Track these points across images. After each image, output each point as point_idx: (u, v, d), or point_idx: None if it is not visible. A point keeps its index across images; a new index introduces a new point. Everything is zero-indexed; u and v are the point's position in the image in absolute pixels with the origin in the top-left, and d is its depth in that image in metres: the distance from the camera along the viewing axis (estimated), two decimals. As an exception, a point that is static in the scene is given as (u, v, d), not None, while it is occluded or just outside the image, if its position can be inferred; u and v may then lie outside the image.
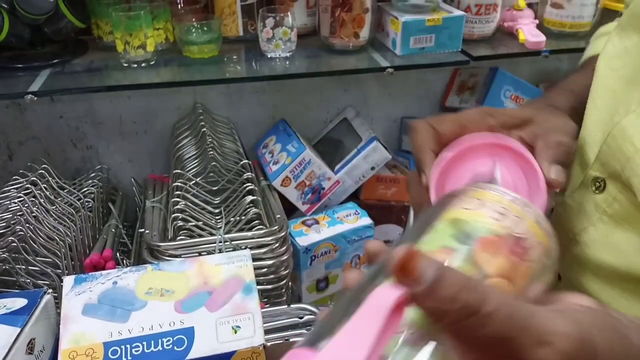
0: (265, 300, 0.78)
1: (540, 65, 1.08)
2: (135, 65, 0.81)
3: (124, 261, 0.77)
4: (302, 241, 0.90)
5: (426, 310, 0.20)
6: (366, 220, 0.94)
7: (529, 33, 0.88)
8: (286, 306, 0.73)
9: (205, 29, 0.83)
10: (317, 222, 0.94)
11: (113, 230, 0.81)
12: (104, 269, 0.69)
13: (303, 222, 0.94)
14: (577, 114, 0.43)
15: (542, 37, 0.87)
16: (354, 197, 1.03)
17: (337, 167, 0.99)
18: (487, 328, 0.20)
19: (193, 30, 0.83)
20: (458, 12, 0.86)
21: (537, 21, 0.91)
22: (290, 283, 0.81)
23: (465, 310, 0.20)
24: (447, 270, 0.20)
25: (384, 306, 0.20)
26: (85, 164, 1.00)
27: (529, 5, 0.92)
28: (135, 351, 0.47)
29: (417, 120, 0.39)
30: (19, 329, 0.48)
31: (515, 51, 0.89)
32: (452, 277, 0.20)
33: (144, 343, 0.48)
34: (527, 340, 0.20)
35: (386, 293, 0.20)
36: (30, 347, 0.49)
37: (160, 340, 0.48)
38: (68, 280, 0.51)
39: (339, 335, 0.20)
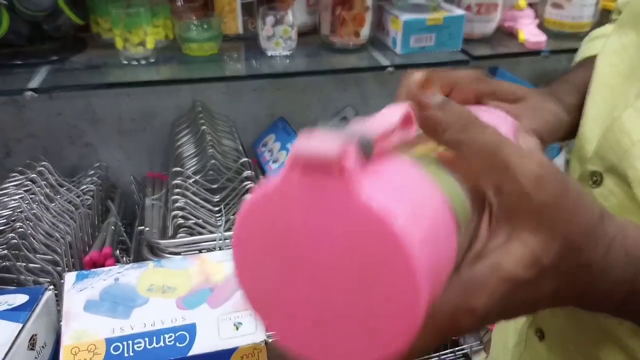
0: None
1: (539, 66, 1.08)
2: (135, 63, 0.81)
3: (124, 258, 0.77)
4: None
5: (433, 120, 0.22)
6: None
7: (529, 33, 0.88)
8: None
9: (205, 26, 0.83)
10: (316, 221, 0.94)
11: (112, 227, 0.81)
12: (103, 266, 0.69)
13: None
14: (578, 109, 0.44)
15: (542, 37, 0.87)
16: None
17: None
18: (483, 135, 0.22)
19: (193, 27, 0.83)
20: (459, 12, 0.86)
21: (537, 21, 0.91)
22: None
23: (463, 121, 0.22)
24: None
25: (397, 111, 0.22)
26: (83, 162, 1.00)
27: (530, 5, 0.93)
28: (137, 347, 0.47)
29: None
30: (20, 325, 0.48)
31: (515, 51, 0.89)
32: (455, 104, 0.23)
33: (146, 339, 0.48)
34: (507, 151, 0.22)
35: (398, 106, 0.23)
36: (32, 343, 0.49)
37: (162, 337, 0.48)
38: (70, 277, 0.51)
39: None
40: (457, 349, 1.14)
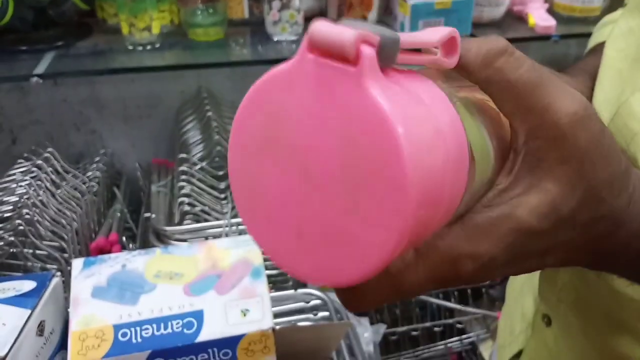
0: (271, 285, 0.78)
1: (549, 51, 1.06)
2: (140, 48, 0.80)
3: (130, 245, 0.77)
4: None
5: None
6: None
7: (538, 17, 0.87)
8: (293, 291, 0.73)
9: (210, 11, 0.82)
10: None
11: (118, 214, 0.81)
12: (109, 252, 0.69)
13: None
14: (589, 96, 0.43)
15: (552, 22, 0.86)
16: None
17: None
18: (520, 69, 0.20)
19: (198, 12, 0.82)
20: (467, -5, 0.84)
21: (547, 5, 0.90)
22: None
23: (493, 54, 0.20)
24: None
25: (440, 31, 0.20)
26: (88, 148, 0.99)
27: (539, -11, 0.91)
28: (145, 333, 0.47)
29: None
30: (29, 311, 0.48)
31: (525, 35, 0.88)
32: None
33: (154, 325, 0.48)
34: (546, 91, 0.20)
35: (445, 28, 0.20)
36: (41, 329, 0.49)
37: (170, 323, 0.48)
38: (77, 263, 0.51)
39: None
40: (464, 336, 1.14)
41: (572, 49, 1.07)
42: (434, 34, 0.20)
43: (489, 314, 1.11)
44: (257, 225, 0.20)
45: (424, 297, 1.07)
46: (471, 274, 0.20)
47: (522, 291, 0.52)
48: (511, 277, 0.60)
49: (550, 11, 0.89)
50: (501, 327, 0.57)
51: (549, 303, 0.43)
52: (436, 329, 1.13)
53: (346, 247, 0.18)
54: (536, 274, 0.46)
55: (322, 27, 0.17)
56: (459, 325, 1.15)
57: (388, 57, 0.18)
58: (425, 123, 0.18)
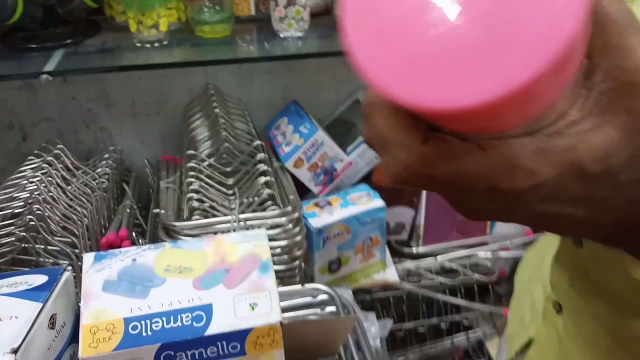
0: (279, 280, 0.78)
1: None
2: (148, 45, 0.81)
3: (139, 241, 0.78)
4: (315, 222, 0.90)
5: None
6: (378, 202, 0.94)
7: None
8: (300, 286, 0.74)
9: (217, 8, 0.83)
10: (329, 204, 0.94)
11: (128, 210, 0.82)
12: (119, 248, 0.70)
13: (315, 204, 0.94)
14: None
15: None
16: (366, 179, 1.03)
17: (349, 148, 0.99)
18: None
19: (205, 9, 0.82)
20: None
21: None
22: (303, 264, 0.81)
23: None
24: None
25: None
26: (98, 145, 1.00)
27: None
28: (155, 327, 0.48)
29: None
30: (41, 304, 0.49)
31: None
32: None
33: (164, 319, 0.48)
34: None
35: None
36: (52, 322, 0.50)
37: (179, 316, 0.49)
38: (88, 257, 0.51)
39: None
40: (470, 332, 1.15)
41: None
42: None
43: (495, 311, 1.11)
44: (365, 44, 0.19)
45: (430, 294, 1.07)
46: (521, 191, 0.20)
47: (531, 281, 0.52)
48: (519, 268, 0.60)
49: None
50: (510, 317, 0.57)
51: (560, 290, 0.43)
52: (443, 325, 1.13)
53: (478, 65, 0.17)
54: (546, 263, 0.46)
55: None
56: (465, 322, 1.15)
57: None
58: None
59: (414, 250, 1.10)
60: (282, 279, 0.79)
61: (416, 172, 0.21)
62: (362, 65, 0.19)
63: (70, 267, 0.57)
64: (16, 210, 0.68)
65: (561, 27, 0.16)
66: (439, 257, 1.07)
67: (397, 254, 1.09)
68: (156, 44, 0.81)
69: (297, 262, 0.79)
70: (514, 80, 0.16)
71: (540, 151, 0.20)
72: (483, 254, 1.08)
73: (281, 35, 0.85)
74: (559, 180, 0.20)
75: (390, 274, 1.02)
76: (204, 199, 0.79)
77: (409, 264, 1.07)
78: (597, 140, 0.20)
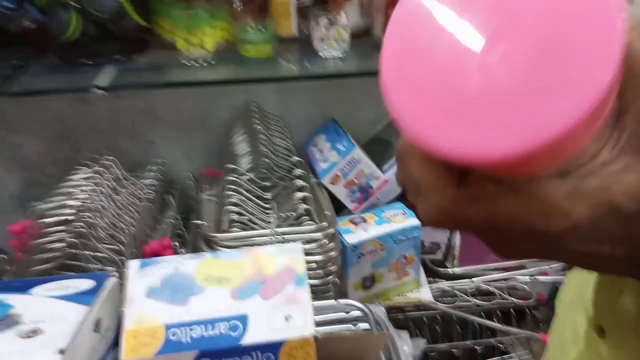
0: (313, 295, 0.79)
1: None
2: (194, 63, 0.84)
3: (181, 250, 0.80)
4: (350, 239, 0.91)
5: None
6: (413, 221, 0.94)
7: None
8: (334, 301, 0.74)
9: (260, 28, 0.86)
10: (364, 221, 0.95)
11: (171, 221, 0.85)
12: (162, 256, 0.73)
13: (351, 220, 0.95)
14: None
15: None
16: (402, 197, 1.03)
17: (385, 166, 1.00)
18: None
19: (249, 29, 0.85)
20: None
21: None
22: (337, 280, 0.82)
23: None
24: None
25: None
26: (143, 157, 1.04)
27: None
28: (194, 334, 0.49)
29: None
30: (88, 308, 0.51)
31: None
32: None
33: (202, 327, 0.50)
34: None
35: None
36: (97, 326, 0.53)
37: (217, 325, 0.50)
38: (134, 264, 0.54)
39: None
40: (506, 357, 1.12)
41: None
42: None
43: (532, 336, 1.08)
44: (403, 93, 0.19)
45: (465, 316, 1.06)
46: (557, 233, 0.21)
47: (573, 306, 0.51)
48: (561, 292, 0.59)
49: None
50: (550, 342, 0.56)
51: (603, 313, 0.42)
52: (477, 348, 1.11)
53: (517, 115, 0.17)
54: (589, 288, 0.45)
55: None
56: (501, 346, 1.12)
57: None
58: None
59: (450, 270, 1.09)
60: (316, 293, 0.80)
61: (451, 215, 0.22)
62: (398, 115, 0.19)
63: (116, 273, 0.59)
64: (68, 217, 0.72)
65: (598, 77, 0.16)
66: (475, 279, 1.06)
67: (432, 274, 1.08)
68: (202, 62, 0.84)
69: (331, 277, 0.80)
70: (548, 132, 0.17)
71: (574, 192, 0.21)
72: (521, 277, 1.06)
73: (322, 55, 0.87)
74: (594, 221, 0.21)
75: (424, 293, 1.01)
76: (243, 212, 0.81)
77: (444, 284, 1.05)
78: (631, 179, 0.20)
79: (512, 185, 0.21)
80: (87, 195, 0.73)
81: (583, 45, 0.16)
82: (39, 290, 0.53)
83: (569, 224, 0.21)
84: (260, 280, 0.55)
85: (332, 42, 0.86)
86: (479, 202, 0.21)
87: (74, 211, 0.72)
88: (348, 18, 0.85)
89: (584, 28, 0.16)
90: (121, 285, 0.60)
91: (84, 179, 0.81)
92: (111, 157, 0.85)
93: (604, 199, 0.21)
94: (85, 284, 0.55)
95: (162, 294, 0.52)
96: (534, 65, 0.17)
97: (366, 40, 0.92)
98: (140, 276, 0.53)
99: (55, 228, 0.71)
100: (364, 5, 0.91)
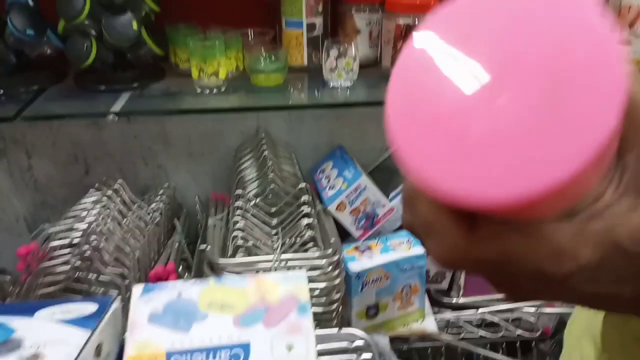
0: (316, 323, 0.79)
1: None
2: (207, 91, 0.86)
3: (185, 274, 0.81)
4: (354, 266, 0.90)
5: None
6: (419, 250, 0.94)
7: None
8: (337, 330, 0.74)
9: (272, 58, 0.88)
10: (369, 249, 0.95)
11: (177, 244, 0.85)
12: (167, 280, 0.73)
13: (356, 248, 0.95)
14: None
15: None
16: (408, 226, 1.03)
17: (391, 194, 1.00)
18: None
19: (262, 59, 0.87)
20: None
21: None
22: (340, 308, 0.82)
23: None
24: None
25: None
26: (154, 181, 1.06)
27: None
28: (195, 361, 0.50)
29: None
30: (89, 332, 0.52)
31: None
32: None
33: (204, 354, 0.50)
34: None
35: None
36: (98, 351, 0.53)
37: (218, 353, 0.50)
38: (137, 289, 0.54)
39: None
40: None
41: None
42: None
43: (539, 370, 1.06)
44: (409, 139, 0.19)
45: (470, 347, 1.04)
46: (566, 275, 0.21)
47: (581, 338, 0.51)
48: (569, 323, 0.58)
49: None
50: None
51: (612, 346, 0.42)
52: (483, 381, 1.09)
53: (523, 160, 0.17)
54: (598, 318, 0.45)
55: None
56: (507, 379, 1.10)
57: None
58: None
59: (454, 300, 1.08)
60: (320, 321, 0.79)
61: (464, 256, 0.22)
62: (404, 159, 0.20)
63: (119, 297, 0.60)
64: (75, 240, 0.73)
65: (600, 124, 0.16)
66: (480, 309, 1.05)
67: (437, 304, 1.07)
68: (215, 90, 0.86)
69: (334, 305, 0.80)
70: (551, 178, 0.17)
71: (580, 234, 0.21)
72: (527, 309, 1.05)
73: (331, 85, 0.89)
74: (601, 262, 0.21)
75: (429, 323, 1.00)
76: (249, 237, 0.81)
77: (449, 315, 1.04)
78: (636, 221, 0.21)
79: (521, 227, 0.21)
80: (95, 219, 0.74)
81: (585, 92, 0.17)
82: (42, 313, 0.53)
83: (576, 265, 0.21)
84: (264, 308, 0.56)
85: (341, 72, 0.88)
86: (490, 243, 0.22)
87: (80, 234, 0.74)
88: (358, 49, 0.87)
89: (586, 75, 0.17)
90: (124, 310, 0.60)
91: (93, 202, 0.82)
92: (120, 181, 0.86)
93: (609, 240, 0.21)
94: (89, 308, 0.55)
95: (165, 320, 0.52)
96: (538, 111, 0.17)
97: (375, 71, 0.94)
98: (143, 301, 0.53)
99: (61, 251, 0.72)
100: (373, 38, 0.93)
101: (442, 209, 0.22)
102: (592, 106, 0.16)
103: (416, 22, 0.84)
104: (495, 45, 0.18)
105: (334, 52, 0.86)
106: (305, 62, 0.93)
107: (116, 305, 0.57)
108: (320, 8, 0.90)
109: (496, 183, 0.17)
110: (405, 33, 0.86)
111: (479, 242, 0.22)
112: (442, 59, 0.19)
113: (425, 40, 0.20)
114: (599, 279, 0.22)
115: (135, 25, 0.81)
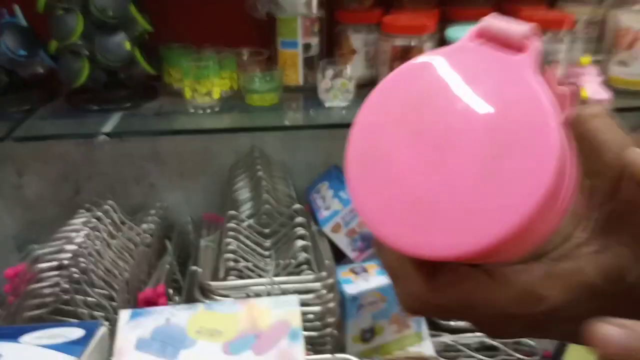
0: (310, 347, 0.77)
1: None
2: (201, 111, 0.85)
3: (176, 297, 0.79)
4: (350, 289, 0.89)
5: None
6: (416, 272, 0.93)
7: (592, 90, 0.86)
8: (330, 355, 0.72)
9: (267, 78, 0.87)
10: (365, 271, 0.93)
11: (167, 266, 0.84)
12: (156, 304, 0.71)
13: (351, 270, 0.93)
14: None
15: (604, 95, 0.85)
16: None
17: (388, 216, 0.99)
18: None
19: (256, 79, 0.87)
20: (517, 68, 0.86)
21: (601, 78, 0.89)
22: (335, 331, 0.80)
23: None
24: None
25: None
26: (146, 200, 1.05)
27: (593, 63, 0.91)
28: (182, 390, 0.48)
29: None
30: (75, 359, 0.50)
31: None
32: None
33: (191, 383, 0.48)
34: None
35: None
36: (84, 378, 0.51)
37: (206, 382, 0.49)
38: (124, 315, 0.53)
39: None
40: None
41: (630, 121, 1.05)
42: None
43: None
44: (367, 196, 0.21)
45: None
46: (534, 315, 0.21)
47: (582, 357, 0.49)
48: (570, 348, 0.57)
49: (605, 84, 0.89)
50: None
51: None
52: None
53: (468, 217, 0.18)
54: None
55: (495, 18, 0.20)
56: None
57: (543, 62, 0.20)
58: (564, 130, 0.19)
59: (452, 323, 1.06)
60: (313, 345, 0.78)
61: (426, 303, 0.22)
62: (363, 215, 0.21)
63: (107, 322, 0.58)
64: (63, 262, 0.71)
65: (538, 182, 0.18)
66: (479, 332, 1.03)
67: (434, 327, 1.05)
68: (208, 110, 0.85)
69: (329, 329, 0.78)
70: (497, 230, 0.18)
71: (548, 276, 0.21)
72: (526, 333, 1.03)
73: (326, 105, 0.88)
74: (573, 303, 0.21)
75: (426, 347, 0.98)
76: (241, 259, 0.80)
77: (447, 338, 1.03)
78: (607, 260, 0.21)
79: (488, 270, 0.21)
80: (83, 240, 0.73)
81: (523, 155, 0.18)
82: (27, 338, 0.51)
83: (544, 307, 0.21)
84: (254, 334, 0.54)
85: (337, 92, 0.87)
86: (450, 290, 0.21)
87: (69, 255, 0.72)
88: (354, 70, 0.87)
89: (524, 132, 0.18)
90: (112, 334, 0.58)
91: (82, 223, 0.81)
92: (110, 202, 0.85)
93: (579, 280, 0.21)
94: (75, 333, 0.54)
95: (152, 347, 0.50)
96: (481, 170, 0.18)
97: (370, 91, 0.93)
98: (131, 327, 0.52)
99: (49, 273, 0.70)
100: (370, 58, 0.93)
101: (405, 258, 0.22)
102: (527, 168, 0.18)
103: (412, 44, 0.84)
104: (443, 110, 0.20)
105: (329, 73, 0.86)
106: (301, 82, 0.92)
107: (103, 330, 0.55)
108: (316, 28, 0.90)
109: (445, 237, 0.19)
110: (401, 54, 0.85)
111: (438, 290, 0.22)
112: (394, 122, 0.21)
113: (377, 103, 0.22)
114: (570, 318, 0.21)
115: (127, 45, 0.80)
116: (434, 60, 0.21)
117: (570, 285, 0.21)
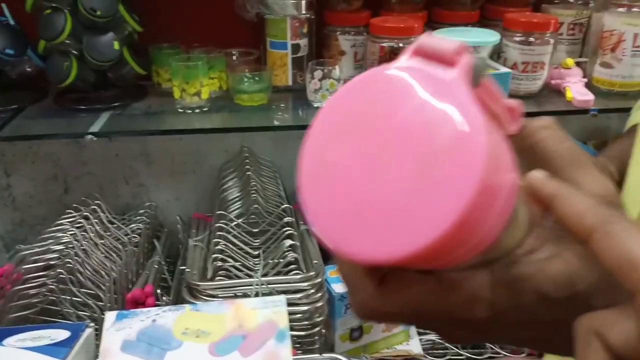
0: (298, 346, 0.77)
1: (589, 123, 1.06)
2: (190, 111, 0.85)
3: (164, 297, 0.79)
4: (338, 288, 0.89)
5: None
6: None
7: (576, 91, 0.87)
8: (318, 355, 0.73)
9: (256, 79, 0.87)
10: (354, 270, 0.93)
11: (156, 266, 0.84)
12: (144, 304, 0.72)
13: (340, 270, 0.94)
14: (622, 178, 0.43)
15: (590, 96, 0.86)
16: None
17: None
18: None
19: (245, 80, 0.87)
20: (504, 69, 0.86)
21: (585, 80, 0.90)
22: (323, 330, 0.81)
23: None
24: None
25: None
26: (135, 200, 1.04)
27: (577, 65, 0.92)
28: (168, 391, 0.48)
29: None
30: (61, 360, 0.50)
31: (563, 109, 0.88)
32: None
33: (177, 383, 0.49)
34: None
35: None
36: (69, 379, 0.51)
37: (192, 382, 0.49)
38: (110, 316, 0.53)
39: None
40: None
41: (612, 122, 1.06)
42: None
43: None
44: (316, 205, 0.22)
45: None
46: (484, 320, 0.21)
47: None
48: None
49: (589, 86, 0.90)
50: None
51: None
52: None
53: (402, 223, 0.19)
54: None
55: (429, 36, 0.22)
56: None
57: (475, 76, 0.21)
58: (500, 142, 0.20)
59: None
60: (302, 344, 0.78)
61: (373, 310, 0.22)
62: (314, 225, 0.22)
63: (92, 322, 0.58)
64: (50, 262, 0.71)
65: (463, 183, 0.19)
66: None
67: (422, 326, 1.06)
68: (197, 110, 0.85)
69: (317, 329, 0.78)
70: (427, 235, 0.19)
71: (497, 281, 0.21)
72: (512, 331, 1.04)
73: (315, 105, 0.89)
74: (522, 309, 0.21)
75: (414, 345, 0.99)
76: (229, 259, 0.80)
77: (434, 336, 1.03)
78: (557, 267, 0.21)
79: (438, 276, 0.22)
80: (71, 240, 0.73)
81: (450, 159, 0.19)
82: (11, 340, 0.51)
83: (493, 312, 0.21)
84: (241, 335, 0.54)
85: (325, 93, 0.87)
86: (398, 295, 0.22)
87: (56, 255, 0.72)
88: (342, 70, 0.87)
89: (450, 143, 0.19)
90: (98, 335, 0.58)
91: (70, 222, 0.81)
92: (98, 202, 0.85)
93: (528, 286, 0.21)
94: (60, 334, 0.54)
95: (138, 348, 0.50)
96: (413, 180, 0.19)
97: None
98: (116, 328, 0.52)
99: (37, 273, 0.70)
100: (358, 59, 0.93)
101: (355, 267, 0.23)
102: (453, 178, 0.19)
103: (400, 45, 0.85)
104: (381, 125, 0.21)
105: (318, 73, 0.86)
106: (290, 82, 0.93)
107: (89, 331, 0.55)
108: (305, 29, 0.90)
109: (380, 242, 0.20)
110: (389, 55, 0.86)
111: (386, 295, 0.22)
112: (338, 135, 0.22)
113: (327, 115, 0.23)
114: (526, 324, 0.22)
115: (116, 45, 0.80)
116: (377, 77, 0.22)
117: (518, 291, 0.21)
